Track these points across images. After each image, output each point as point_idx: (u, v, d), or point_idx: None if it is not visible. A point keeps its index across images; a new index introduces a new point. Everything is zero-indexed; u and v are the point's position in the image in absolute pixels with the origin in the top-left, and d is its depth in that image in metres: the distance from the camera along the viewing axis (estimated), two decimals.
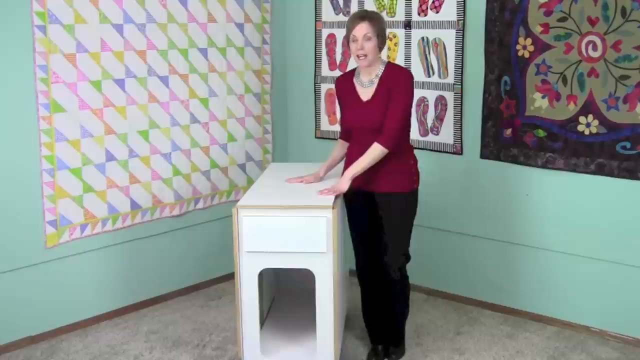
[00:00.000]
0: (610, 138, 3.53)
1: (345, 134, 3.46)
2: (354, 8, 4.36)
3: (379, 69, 3.22)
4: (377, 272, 3.48)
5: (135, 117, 3.96)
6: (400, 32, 4.19)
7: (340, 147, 3.52)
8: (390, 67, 3.25)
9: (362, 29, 3.11)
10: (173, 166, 4.19)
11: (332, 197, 3.17)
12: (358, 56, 3.15)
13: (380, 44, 3.18)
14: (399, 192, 3.27)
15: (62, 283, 3.76)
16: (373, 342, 3.58)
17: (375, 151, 3.16)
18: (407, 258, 3.42)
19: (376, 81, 3.21)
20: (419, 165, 3.38)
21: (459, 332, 3.86)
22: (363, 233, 3.44)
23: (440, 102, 4.11)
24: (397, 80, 3.17)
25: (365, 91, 3.25)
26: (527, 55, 3.73)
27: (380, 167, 3.21)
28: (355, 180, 3.25)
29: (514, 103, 3.81)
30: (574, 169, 3.68)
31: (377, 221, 3.37)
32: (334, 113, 4.56)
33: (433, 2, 4.04)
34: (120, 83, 3.87)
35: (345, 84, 3.34)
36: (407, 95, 3.19)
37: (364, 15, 3.16)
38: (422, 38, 4.12)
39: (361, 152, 3.22)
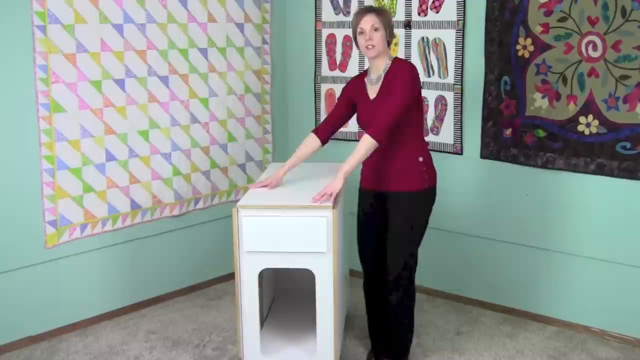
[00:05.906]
0: (610, 138, 3.53)
1: (322, 128, 3.32)
2: (354, 8, 4.36)
3: (386, 65, 3.14)
4: (383, 282, 3.30)
5: (135, 117, 3.96)
6: (400, 32, 4.19)
7: (308, 143, 3.32)
8: (396, 61, 3.16)
9: (369, 21, 3.06)
10: (173, 166, 4.19)
11: (333, 197, 3.13)
12: (367, 47, 3.08)
13: (389, 37, 3.12)
14: (406, 190, 3.16)
15: (62, 283, 3.76)
16: (375, 353, 3.45)
17: (364, 143, 3.03)
18: (408, 264, 3.21)
19: (382, 77, 3.14)
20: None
21: (459, 332, 3.86)
22: (372, 238, 3.30)
23: (440, 102, 4.11)
24: (397, 72, 3.09)
25: (373, 89, 3.19)
26: (527, 55, 3.73)
27: (388, 166, 3.15)
28: (367, 180, 3.20)
29: (514, 103, 3.81)
30: (574, 169, 3.68)
31: (387, 224, 3.23)
32: None
33: (433, 2, 4.04)
34: (120, 83, 3.87)
35: (357, 83, 3.27)
36: (405, 85, 3.03)
37: (369, 9, 3.11)
38: (422, 38, 4.12)
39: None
